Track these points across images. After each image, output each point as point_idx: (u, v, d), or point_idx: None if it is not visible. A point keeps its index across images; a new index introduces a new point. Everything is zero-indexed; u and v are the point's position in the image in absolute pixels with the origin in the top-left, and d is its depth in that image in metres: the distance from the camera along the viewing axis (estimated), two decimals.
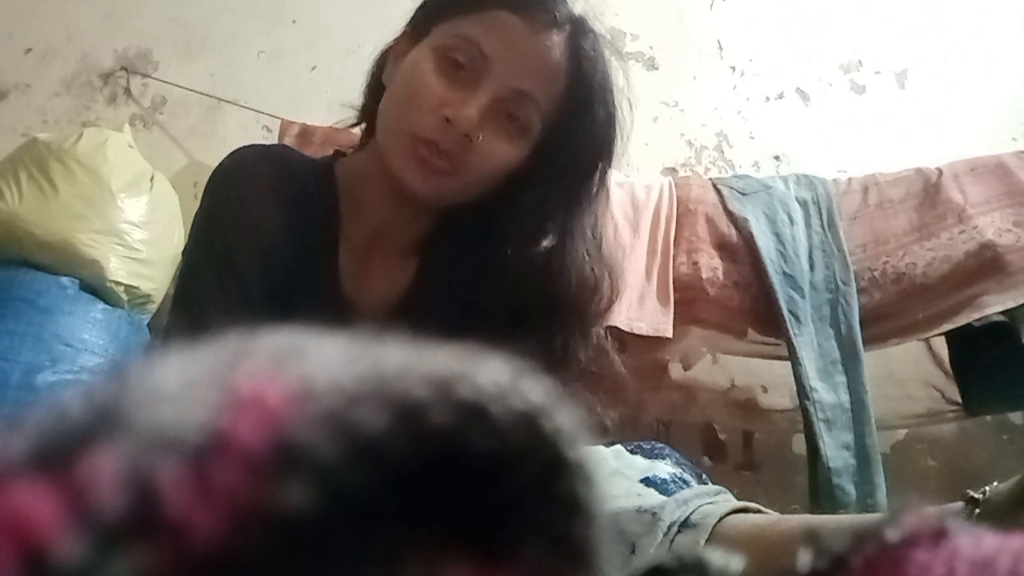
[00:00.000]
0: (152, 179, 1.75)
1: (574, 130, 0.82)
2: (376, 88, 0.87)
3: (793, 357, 1.52)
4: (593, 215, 0.86)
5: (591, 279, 0.84)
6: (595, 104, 0.82)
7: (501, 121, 0.79)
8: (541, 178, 0.82)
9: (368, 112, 0.89)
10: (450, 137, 0.77)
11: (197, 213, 0.84)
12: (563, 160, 0.82)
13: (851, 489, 1.44)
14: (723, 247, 1.65)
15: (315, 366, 0.16)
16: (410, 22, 0.86)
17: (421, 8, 0.85)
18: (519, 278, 0.81)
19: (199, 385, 0.15)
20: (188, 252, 0.84)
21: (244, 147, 0.86)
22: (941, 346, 1.75)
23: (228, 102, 2.01)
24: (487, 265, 0.83)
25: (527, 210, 0.82)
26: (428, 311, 0.85)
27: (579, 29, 0.82)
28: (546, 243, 0.81)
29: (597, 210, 0.87)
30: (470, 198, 0.84)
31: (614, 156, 0.85)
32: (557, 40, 0.79)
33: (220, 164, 0.84)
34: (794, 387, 1.53)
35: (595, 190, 0.85)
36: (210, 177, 0.84)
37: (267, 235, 0.80)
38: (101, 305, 1.57)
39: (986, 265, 1.57)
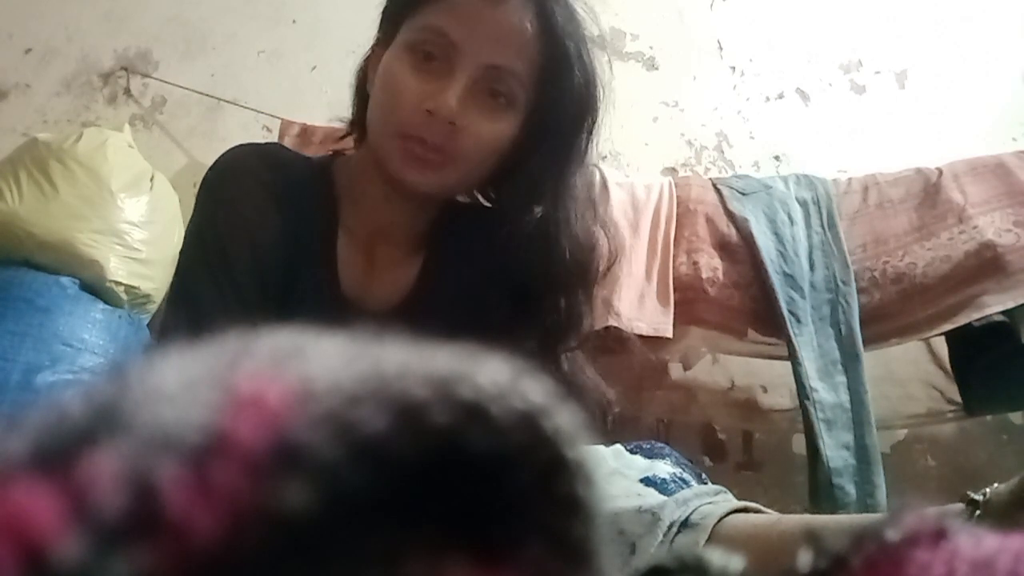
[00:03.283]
0: (152, 179, 1.75)
1: (555, 91, 0.81)
2: (362, 98, 0.88)
3: (793, 357, 1.52)
4: (584, 175, 0.86)
5: (589, 239, 0.85)
6: (572, 62, 0.81)
7: (484, 100, 0.79)
8: (530, 145, 0.82)
9: (358, 122, 0.89)
10: (435, 128, 0.77)
11: (192, 213, 0.84)
12: (549, 123, 0.82)
13: (851, 489, 1.44)
14: (723, 247, 1.65)
15: (315, 366, 0.16)
16: (379, 28, 0.86)
17: (384, 12, 0.86)
18: (518, 246, 0.81)
19: (199, 385, 0.15)
20: (183, 252, 0.84)
21: (238, 146, 0.86)
22: (941, 346, 1.75)
23: (228, 102, 2.00)
24: (490, 243, 0.83)
25: (521, 179, 0.82)
26: (436, 304, 0.85)
27: None
28: (539, 209, 0.81)
29: (588, 170, 0.87)
30: (474, 182, 0.85)
31: (598, 112, 0.84)
32: (519, 7, 0.78)
33: (214, 163, 0.84)
34: (794, 387, 1.53)
35: (584, 149, 0.85)
36: (204, 177, 0.84)
37: (261, 234, 0.81)
38: (101, 305, 1.57)
39: (986, 265, 1.57)
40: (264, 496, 0.14)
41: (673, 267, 1.63)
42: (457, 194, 0.89)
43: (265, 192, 0.82)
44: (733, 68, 2.21)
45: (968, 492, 0.52)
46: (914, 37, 2.22)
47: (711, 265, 1.62)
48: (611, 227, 0.89)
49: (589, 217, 0.86)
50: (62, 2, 2.04)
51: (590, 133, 0.85)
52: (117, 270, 1.59)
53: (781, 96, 2.20)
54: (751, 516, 0.59)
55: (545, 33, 0.80)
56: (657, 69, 2.18)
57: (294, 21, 2.10)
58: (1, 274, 1.52)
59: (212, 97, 2.00)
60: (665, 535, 0.57)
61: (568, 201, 0.83)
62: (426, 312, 0.85)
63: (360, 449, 0.15)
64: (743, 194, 1.71)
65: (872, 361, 1.59)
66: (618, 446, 0.85)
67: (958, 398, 1.76)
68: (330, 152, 0.94)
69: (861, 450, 1.47)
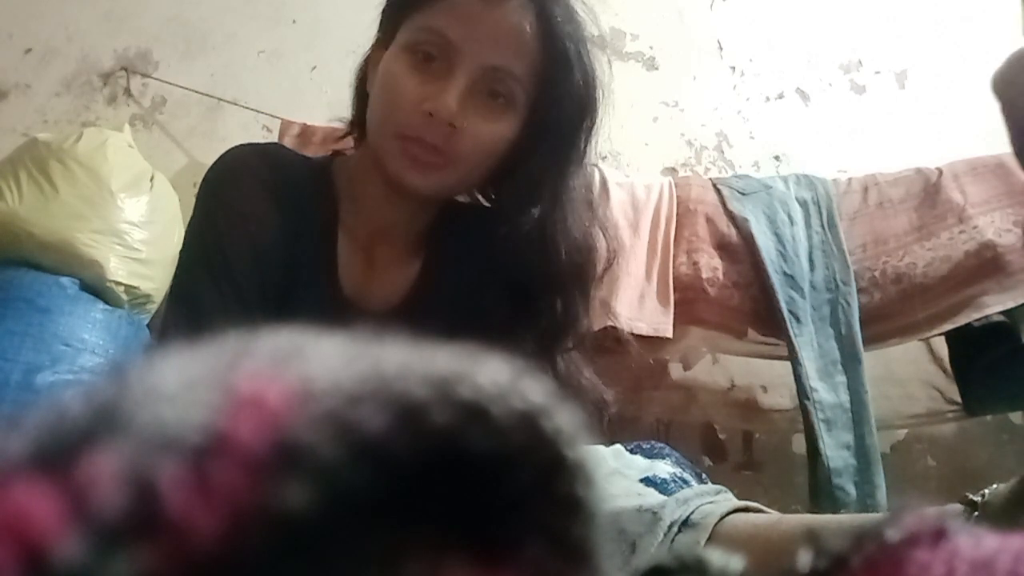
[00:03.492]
0: (152, 179, 1.75)
1: (555, 92, 0.81)
2: (362, 98, 0.87)
3: (793, 357, 1.52)
4: (583, 176, 0.86)
5: (587, 240, 0.85)
6: (572, 63, 0.81)
7: (484, 101, 0.79)
8: (530, 146, 0.82)
9: (357, 122, 0.89)
10: (435, 130, 0.77)
11: (192, 213, 0.84)
12: (548, 124, 0.82)
13: (851, 489, 1.44)
14: (723, 247, 1.65)
15: (315, 366, 0.16)
16: (379, 28, 0.86)
17: (384, 12, 0.86)
18: (517, 246, 0.81)
19: (199, 385, 0.15)
20: (183, 252, 0.84)
21: (237, 146, 0.86)
22: (941, 346, 1.75)
23: (228, 102, 2.00)
24: (489, 243, 0.83)
25: (520, 180, 0.82)
26: (436, 304, 0.85)
27: None
28: (537, 210, 0.81)
29: (587, 171, 0.87)
30: (474, 183, 0.85)
31: (598, 113, 0.84)
32: (518, 7, 0.78)
33: (214, 163, 0.84)
34: (794, 387, 1.53)
35: (583, 150, 0.85)
36: (204, 177, 0.84)
37: (261, 233, 0.81)
38: (101, 305, 1.57)
39: (986, 265, 1.57)
40: (264, 496, 0.14)
41: (673, 267, 1.63)
42: (456, 195, 0.89)
43: (265, 192, 0.82)
44: (733, 68, 2.21)
45: (967, 494, 0.52)
46: (914, 37, 2.22)
47: (711, 265, 1.62)
48: (610, 228, 0.89)
49: (587, 218, 0.86)
50: (62, 2, 2.04)
51: (589, 134, 0.85)
52: (117, 270, 1.59)
53: (781, 96, 2.20)
54: (751, 516, 0.59)
55: (545, 34, 0.79)
56: (657, 69, 2.18)
57: (294, 21, 2.10)
58: (1, 274, 1.52)
59: (212, 97, 2.00)
60: (665, 534, 0.57)
61: (567, 202, 0.83)
62: (425, 312, 0.85)
63: (360, 449, 0.15)
64: (743, 194, 1.71)
65: (872, 361, 1.59)
66: (618, 446, 0.85)
67: (958, 398, 1.76)
68: (330, 152, 0.94)
69: (861, 450, 1.47)
